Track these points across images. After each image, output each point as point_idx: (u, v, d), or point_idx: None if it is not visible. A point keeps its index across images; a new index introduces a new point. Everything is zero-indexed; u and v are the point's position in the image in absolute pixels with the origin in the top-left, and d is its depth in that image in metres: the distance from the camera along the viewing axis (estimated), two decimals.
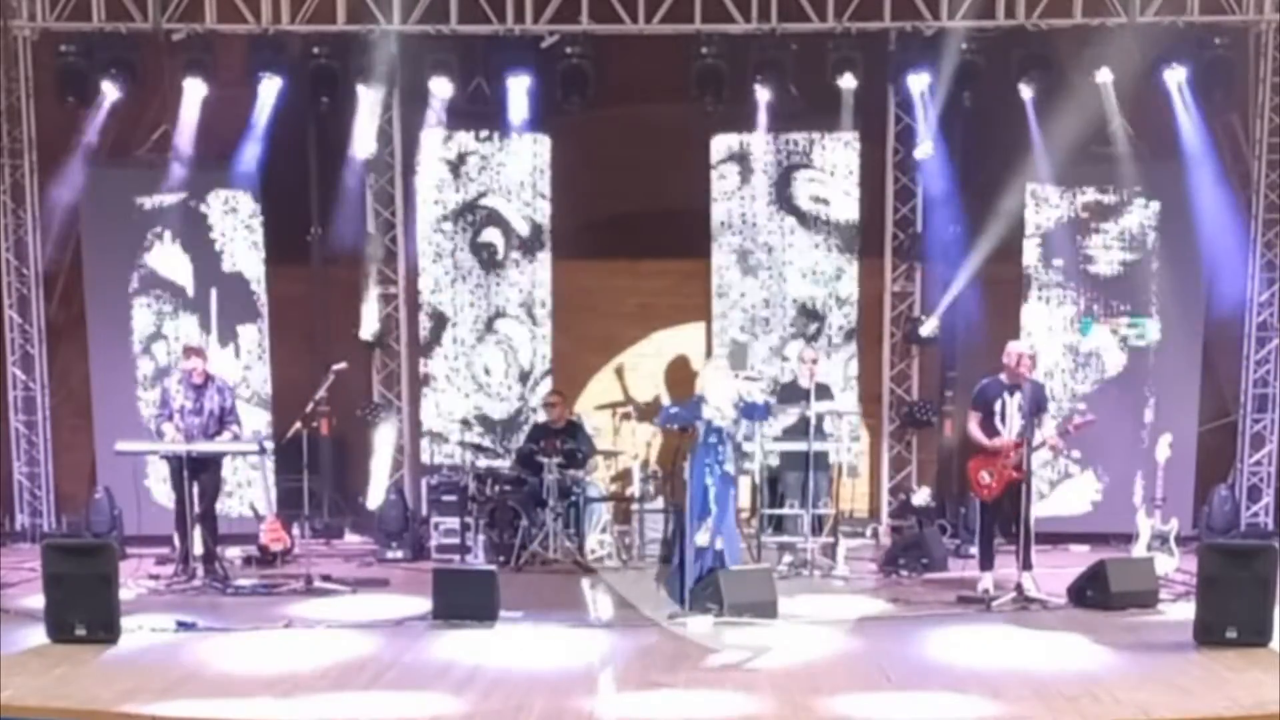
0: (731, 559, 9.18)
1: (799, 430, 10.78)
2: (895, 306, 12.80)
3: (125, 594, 8.72)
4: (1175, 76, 11.73)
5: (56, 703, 6.76)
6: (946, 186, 12.25)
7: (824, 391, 11.25)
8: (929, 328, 12.48)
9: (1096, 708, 6.64)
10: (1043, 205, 12.34)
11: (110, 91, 11.91)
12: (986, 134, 12.16)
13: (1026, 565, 9.51)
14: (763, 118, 12.27)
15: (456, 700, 6.86)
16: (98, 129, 12.08)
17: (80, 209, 12.49)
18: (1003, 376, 9.71)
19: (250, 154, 12.21)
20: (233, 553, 11.02)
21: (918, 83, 11.98)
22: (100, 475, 12.21)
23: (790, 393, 11.20)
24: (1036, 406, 9.65)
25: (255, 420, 12.17)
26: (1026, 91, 11.79)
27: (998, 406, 9.63)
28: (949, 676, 7.30)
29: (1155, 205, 12.26)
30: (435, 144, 12.69)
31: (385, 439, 12.73)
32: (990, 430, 9.66)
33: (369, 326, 12.66)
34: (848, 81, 11.97)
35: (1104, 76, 11.76)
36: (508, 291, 12.88)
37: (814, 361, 11.14)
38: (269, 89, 12.01)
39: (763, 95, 12.06)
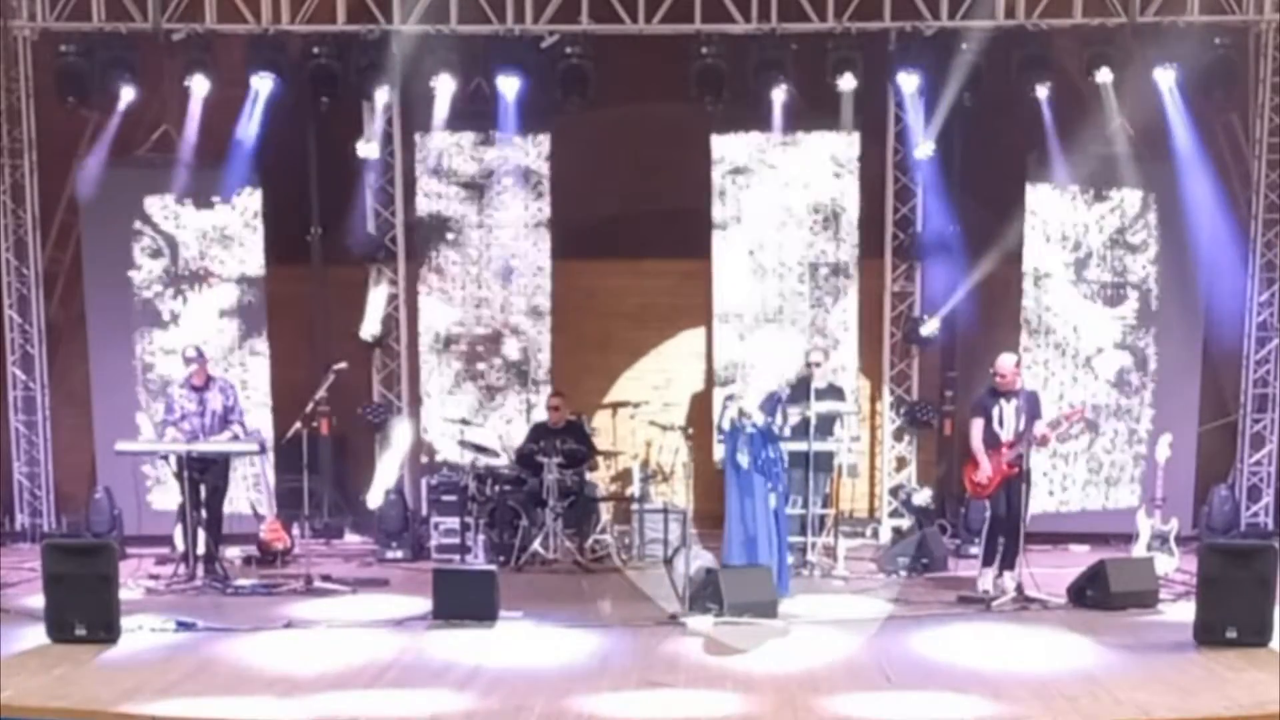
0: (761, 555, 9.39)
1: (802, 429, 10.80)
2: (895, 306, 12.81)
3: (125, 594, 8.71)
4: (1174, 77, 11.72)
5: (56, 703, 6.76)
6: (947, 186, 12.26)
7: (836, 393, 11.27)
8: (930, 328, 12.49)
9: (1096, 708, 6.65)
10: (1043, 205, 12.34)
11: (126, 95, 11.91)
12: (986, 134, 12.16)
13: (1008, 566, 9.68)
14: (762, 117, 12.27)
15: (456, 700, 6.86)
16: (110, 132, 12.10)
17: (80, 209, 12.51)
18: (996, 385, 9.91)
19: (251, 154, 12.21)
20: (233, 553, 11.02)
21: (910, 82, 11.97)
22: (100, 475, 12.20)
23: (800, 389, 11.24)
24: (1031, 414, 9.80)
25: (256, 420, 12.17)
26: (1040, 90, 11.76)
27: (995, 414, 9.86)
28: (949, 676, 7.30)
29: (1155, 205, 12.27)
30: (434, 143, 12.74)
31: (395, 439, 12.77)
32: (990, 436, 9.88)
33: (369, 327, 12.65)
34: (847, 81, 11.97)
35: (1104, 76, 11.76)
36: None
37: (817, 365, 11.17)
38: (269, 89, 12.01)
39: (762, 95, 12.05)
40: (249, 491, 12.01)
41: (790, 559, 10.66)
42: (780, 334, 12.73)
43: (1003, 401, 9.83)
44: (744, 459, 9.58)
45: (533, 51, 12.07)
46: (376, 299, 12.73)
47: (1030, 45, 11.88)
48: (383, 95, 12.25)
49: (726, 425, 9.72)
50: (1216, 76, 11.74)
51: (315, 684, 7.16)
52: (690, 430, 12.81)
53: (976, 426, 9.91)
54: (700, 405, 13.19)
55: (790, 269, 12.75)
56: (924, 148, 12.14)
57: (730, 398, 10.07)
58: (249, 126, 12.04)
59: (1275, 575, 7.89)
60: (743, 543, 9.58)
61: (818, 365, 11.17)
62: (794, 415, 10.94)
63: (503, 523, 11.25)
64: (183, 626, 8.47)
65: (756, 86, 12.01)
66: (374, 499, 12.36)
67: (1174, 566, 10.00)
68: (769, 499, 9.63)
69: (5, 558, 11.20)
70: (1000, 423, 9.82)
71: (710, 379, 13.00)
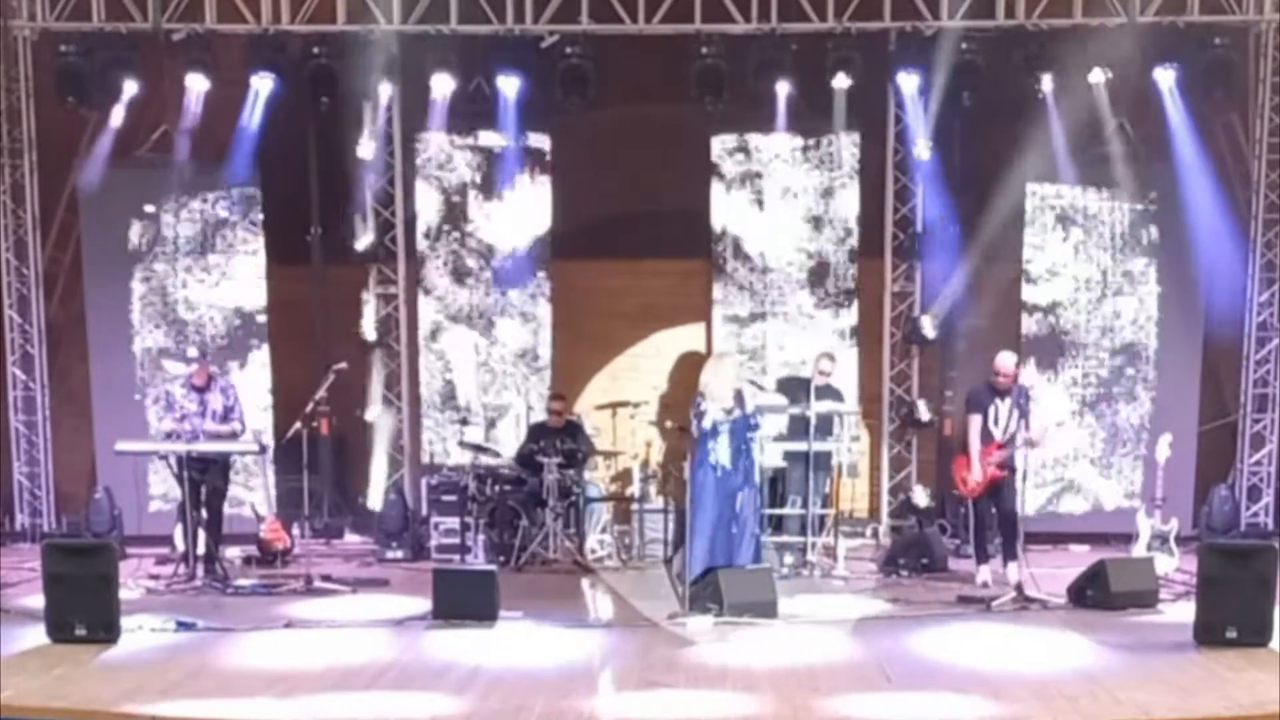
0: (740, 556, 9.27)
1: (802, 429, 10.79)
2: (895, 306, 12.81)
3: (125, 594, 8.70)
4: (1174, 77, 11.72)
5: (56, 703, 6.75)
6: (946, 186, 12.27)
7: (834, 393, 11.26)
8: (929, 327, 12.47)
9: (1096, 708, 6.64)
10: (1042, 205, 12.34)
11: (128, 91, 11.91)
12: (986, 134, 12.16)
13: (1010, 557, 9.82)
14: (763, 118, 12.26)
15: (456, 700, 6.85)
16: (109, 132, 12.09)
17: (80, 209, 12.51)
18: (994, 382, 10.00)
19: (250, 154, 12.21)
20: (233, 553, 11.01)
21: (909, 82, 11.97)
22: (100, 475, 12.21)
23: (791, 386, 11.21)
24: (1025, 410, 9.89)
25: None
26: (1039, 90, 11.76)
27: (991, 411, 9.97)
28: (949, 676, 7.29)
29: (1155, 205, 12.28)
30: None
31: (383, 438, 12.79)
32: (985, 434, 9.99)
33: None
34: (847, 81, 11.96)
35: (1103, 76, 11.76)
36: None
37: (827, 374, 11.19)
38: (268, 89, 12.01)
39: (762, 95, 12.04)
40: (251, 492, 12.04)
41: (790, 558, 10.71)
42: (777, 335, 12.76)
43: (999, 400, 9.95)
44: (725, 456, 9.37)
45: (533, 51, 12.07)
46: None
47: (1030, 45, 11.88)
48: (383, 95, 12.26)
49: (708, 424, 9.37)
50: (1216, 76, 11.75)
51: (315, 684, 7.15)
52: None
53: (975, 423, 10.02)
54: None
55: (791, 269, 12.76)
56: (922, 147, 12.14)
57: (701, 395, 9.75)
58: (249, 125, 12.03)
59: (1275, 575, 7.87)
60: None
61: (827, 375, 11.20)
62: (780, 417, 10.92)
63: (503, 523, 11.25)
64: (183, 626, 8.46)
65: (756, 86, 12.01)
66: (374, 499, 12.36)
67: (1174, 566, 10.00)
68: (735, 499, 9.50)
69: (5, 558, 11.20)
70: (995, 421, 9.95)
71: None
